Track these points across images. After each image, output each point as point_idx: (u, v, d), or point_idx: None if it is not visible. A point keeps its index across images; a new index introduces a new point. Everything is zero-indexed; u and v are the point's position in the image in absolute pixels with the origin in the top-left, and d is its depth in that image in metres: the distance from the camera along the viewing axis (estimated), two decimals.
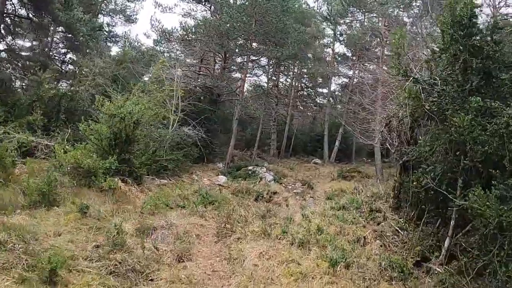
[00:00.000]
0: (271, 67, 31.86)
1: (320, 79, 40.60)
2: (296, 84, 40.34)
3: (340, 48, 51.13)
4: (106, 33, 29.06)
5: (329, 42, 36.18)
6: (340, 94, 39.67)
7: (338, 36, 32.74)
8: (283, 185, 19.00)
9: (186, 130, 17.09)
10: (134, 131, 12.87)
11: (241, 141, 31.20)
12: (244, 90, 22.65)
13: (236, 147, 29.45)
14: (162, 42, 27.24)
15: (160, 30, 25.50)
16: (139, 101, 13.66)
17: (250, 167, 19.75)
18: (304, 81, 42.94)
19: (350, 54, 35.50)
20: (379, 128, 16.94)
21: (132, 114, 12.29)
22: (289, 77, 39.55)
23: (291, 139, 35.54)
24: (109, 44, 31.13)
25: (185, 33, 24.85)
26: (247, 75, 24.11)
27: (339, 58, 35.88)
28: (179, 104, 18.07)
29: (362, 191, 16.76)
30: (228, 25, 21.74)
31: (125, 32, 51.08)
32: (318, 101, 47.26)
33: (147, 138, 15.09)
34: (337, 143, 30.72)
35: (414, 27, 20.52)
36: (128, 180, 12.52)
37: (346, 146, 35.61)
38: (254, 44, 24.88)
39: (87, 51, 20.48)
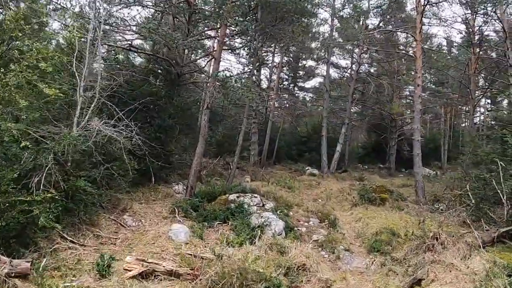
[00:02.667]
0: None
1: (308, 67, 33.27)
2: (279, 74, 32.62)
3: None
4: None
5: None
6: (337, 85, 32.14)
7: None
8: (294, 224, 11.02)
9: (106, 129, 8.51)
10: None
11: (209, 146, 22.84)
12: (220, 68, 14.29)
13: (204, 154, 21.11)
14: None
15: None
16: None
17: (232, 196, 11.50)
18: (287, 71, 35.38)
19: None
20: None
21: None
22: (270, 66, 31.65)
23: (274, 143, 27.70)
24: None
25: None
26: (223, 47, 15.81)
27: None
28: (99, 81, 9.44)
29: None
30: None
31: None
32: (303, 96, 40.07)
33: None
34: (338, 147, 23.20)
35: None
36: None
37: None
38: None
39: None
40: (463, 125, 46.70)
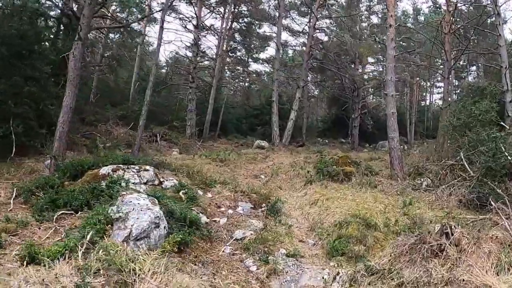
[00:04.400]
0: None
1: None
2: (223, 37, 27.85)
3: None
4: None
5: None
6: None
7: None
8: (209, 212, 6.68)
9: None
10: None
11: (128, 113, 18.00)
12: None
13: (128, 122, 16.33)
14: None
15: None
16: None
17: (105, 169, 6.90)
18: (239, 40, 30.74)
19: None
20: None
21: None
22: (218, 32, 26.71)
23: (219, 115, 23.23)
24: None
25: None
26: None
27: None
28: None
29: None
30: None
31: None
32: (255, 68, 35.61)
33: None
34: (292, 115, 19.07)
35: None
36: None
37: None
38: None
39: None
40: (428, 101, 44.90)
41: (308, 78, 26.12)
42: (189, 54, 20.14)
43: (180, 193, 6.63)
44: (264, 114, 25.89)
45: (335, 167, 10.83)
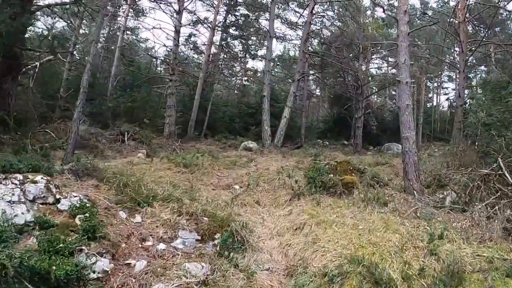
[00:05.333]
0: None
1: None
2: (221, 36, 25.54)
3: None
4: None
5: None
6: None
7: None
8: (125, 246, 4.21)
9: None
10: None
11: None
12: None
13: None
14: None
15: None
16: None
17: None
18: (235, 32, 28.29)
19: None
20: None
21: None
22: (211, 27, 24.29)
23: (213, 113, 20.92)
24: None
25: None
26: None
27: None
28: None
29: None
30: None
31: None
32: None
33: None
34: (286, 112, 16.55)
35: None
36: None
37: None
38: None
39: None
40: (434, 102, 42.36)
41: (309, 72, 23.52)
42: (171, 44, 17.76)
43: (76, 219, 4.19)
44: (260, 114, 23.35)
45: (331, 175, 8.32)
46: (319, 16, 20.34)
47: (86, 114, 15.28)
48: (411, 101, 8.82)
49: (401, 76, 8.54)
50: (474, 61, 29.87)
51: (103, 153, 10.89)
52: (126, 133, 13.60)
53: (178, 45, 16.26)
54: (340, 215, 6.31)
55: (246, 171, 10.16)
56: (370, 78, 25.39)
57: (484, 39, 19.41)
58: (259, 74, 32.99)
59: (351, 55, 23.27)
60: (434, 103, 42.49)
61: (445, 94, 44.99)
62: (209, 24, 22.69)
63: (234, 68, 33.59)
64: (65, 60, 17.29)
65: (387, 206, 6.77)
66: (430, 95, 42.52)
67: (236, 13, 27.03)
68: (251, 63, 34.38)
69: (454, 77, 42.88)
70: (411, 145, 8.25)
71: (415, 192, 7.73)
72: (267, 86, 16.39)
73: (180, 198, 5.79)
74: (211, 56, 25.27)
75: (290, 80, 26.89)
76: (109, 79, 20.75)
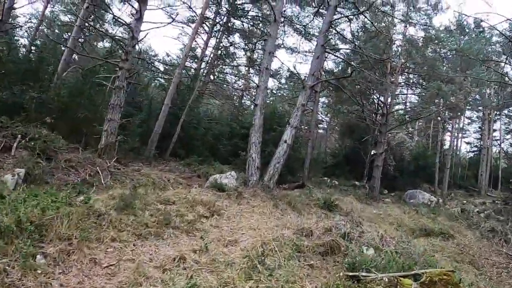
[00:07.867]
0: None
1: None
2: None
3: None
4: None
5: None
6: None
7: None
8: None
9: None
10: None
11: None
12: None
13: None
14: None
15: None
16: None
17: None
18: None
19: None
20: None
21: None
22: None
23: (185, 127, 15.57)
24: None
25: None
26: None
27: None
28: None
29: None
30: None
31: None
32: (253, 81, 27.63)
33: None
34: (286, 135, 11.00)
35: None
36: None
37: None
38: None
39: None
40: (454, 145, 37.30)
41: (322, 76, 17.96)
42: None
43: None
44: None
45: None
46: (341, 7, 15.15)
47: None
48: None
49: None
50: None
51: None
52: (19, 136, 8.27)
53: (141, 20, 11.02)
54: None
55: (177, 250, 4.59)
56: (396, 107, 20.30)
57: None
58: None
59: (376, 72, 18.11)
60: (455, 147, 37.69)
61: (465, 137, 40.38)
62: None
63: (227, 76, 28.11)
64: None
65: None
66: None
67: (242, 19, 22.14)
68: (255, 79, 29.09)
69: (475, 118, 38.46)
70: None
71: None
72: (262, 91, 10.91)
73: None
74: (202, 49, 20.11)
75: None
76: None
